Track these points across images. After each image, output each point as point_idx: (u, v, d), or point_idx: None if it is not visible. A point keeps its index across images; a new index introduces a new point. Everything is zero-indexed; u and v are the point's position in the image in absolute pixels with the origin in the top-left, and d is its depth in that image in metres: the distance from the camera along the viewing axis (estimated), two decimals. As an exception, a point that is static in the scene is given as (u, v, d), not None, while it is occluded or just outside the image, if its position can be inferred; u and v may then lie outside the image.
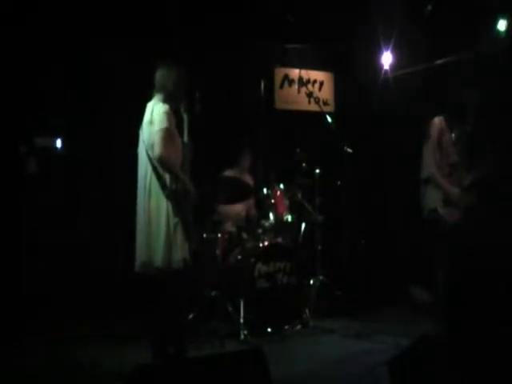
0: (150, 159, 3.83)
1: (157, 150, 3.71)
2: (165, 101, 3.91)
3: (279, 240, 5.47)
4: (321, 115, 5.74)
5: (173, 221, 3.78)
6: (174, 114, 3.90)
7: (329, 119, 5.60)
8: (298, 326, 5.22)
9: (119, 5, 5.72)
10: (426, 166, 4.80)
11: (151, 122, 3.82)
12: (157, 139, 3.72)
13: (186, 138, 3.99)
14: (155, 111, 3.84)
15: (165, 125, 3.75)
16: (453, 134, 4.84)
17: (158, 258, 3.76)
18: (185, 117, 4.00)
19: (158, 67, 4.01)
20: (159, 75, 3.99)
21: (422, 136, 4.84)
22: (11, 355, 4.49)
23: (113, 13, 5.69)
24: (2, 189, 5.27)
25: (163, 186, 3.80)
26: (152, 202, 3.80)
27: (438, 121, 4.82)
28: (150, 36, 5.77)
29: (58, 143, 5.53)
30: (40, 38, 5.43)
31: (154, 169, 3.82)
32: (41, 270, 5.35)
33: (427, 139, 4.79)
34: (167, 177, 3.81)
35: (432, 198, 4.76)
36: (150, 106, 3.94)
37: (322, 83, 7.26)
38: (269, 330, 5.06)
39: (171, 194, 3.79)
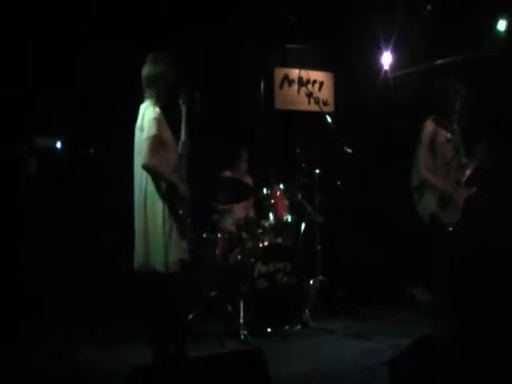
0: None
1: (144, 159, 3.68)
2: (156, 103, 3.83)
3: (279, 240, 5.47)
4: (321, 115, 5.73)
5: (168, 223, 3.75)
6: (169, 113, 3.85)
7: (328, 119, 5.61)
8: (298, 326, 5.22)
9: (119, 5, 5.72)
10: (418, 172, 4.82)
11: (141, 128, 3.77)
12: (144, 148, 3.68)
13: (183, 135, 3.97)
14: (146, 116, 3.78)
15: (153, 132, 3.69)
16: (447, 132, 4.87)
17: (156, 261, 3.74)
18: (183, 111, 3.94)
19: (144, 65, 3.90)
20: (147, 73, 3.87)
21: (415, 140, 4.88)
22: (11, 355, 4.49)
23: (113, 13, 5.68)
24: (2, 190, 5.26)
25: (158, 187, 3.77)
26: (148, 204, 3.78)
27: (428, 123, 4.86)
28: (150, 36, 5.76)
29: (58, 143, 5.52)
30: (40, 38, 5.43)
31: (149, 171, 3.80)
32: (41, 270, 5.35)
33: (418, 144, 4.83)
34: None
35: (429, 203, 4.77)
36: (141, 109, 3.87)
37: (321, 83, 7.27)
38: (269, 330, 5.06)
39: (166, 196, 3.78)
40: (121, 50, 5.70)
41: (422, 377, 2.57)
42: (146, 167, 3.71)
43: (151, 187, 3.78)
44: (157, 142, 3.70)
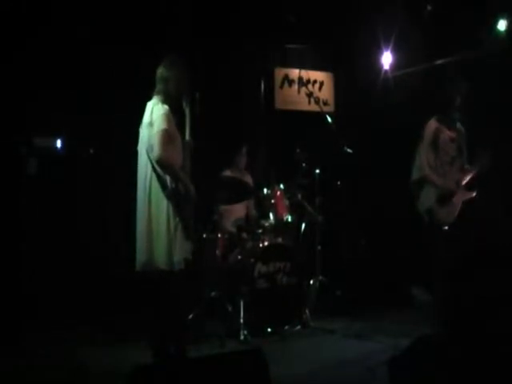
0: (150, 160, 3.82)
1: (156, 152, 3.70)
2: (165, 101, 3.88)
3: (279, 240, 5.47)
4: (321, 115, 5.74)
5: (173, 221, 3.77)
6: (174, 113, 3.89)
7: (329, 119, 5.60)
8: (298, 326, 5.22)
9: (119, 5, 5.72)
10: (419, 168, 4.85)
11: (151, 124, 3.80)
12: (156, 141, 3.71)
13: (187, 137, 3.98)
14: (154, 112, 3.82)
15: (163, 126, 3.73)
16: (451, 132, 4.90)
17: (159, 260, 3.75)
18: (187, 114, 3.98)
19: (160, 65, 3.98)
20: (160, 74, 3.95)
21: (416, 138, 4.90)
22: (11, 355, 4.49)
23: (113, 13, 5.68)
24: (2, 190, 5.26)
25: (163, 186, 3.79)
26: (152, 203, 3.80)
27: (432, 122, 4.89)
28: (150, 36, 5.77)
29: (58, 143, 5.52)
30: (40, 38, 5.43)
31: (154, 169, 3.81)
32: (40, 270, 5.35)
33: (420, 141, 4.86)
34: (167, 177, 3.81)
35: (428, 198, 4.80)
36: (149, 106, 3.91)
37: (322, 83, 7.27)
38: (269, 330, 5.06)
39: (171, 195, 3.79)
40: (121, 50, 5.71)
41: (422, 377, 2.57)
42: (158, 160, 3.72)
43: (156, 185, 3.80)
44: (167, 136, 3.74)
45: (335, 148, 5.62)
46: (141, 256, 3.82)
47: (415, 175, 4.89)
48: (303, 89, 6.65)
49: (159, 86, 3.94)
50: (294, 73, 7.05)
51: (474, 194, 4.91)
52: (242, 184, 5.49)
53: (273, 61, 6.98)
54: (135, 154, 3.98)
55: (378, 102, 6.79)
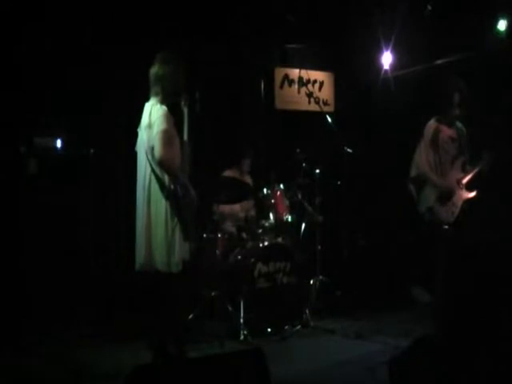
0: (149, 161, 3.82)
1: (157, 153, 3.70)
2: (162, 101, 3.87)
3: (279, 240, 5.47)
4: (321, 115, 5.73)
5: (171, 222, 3.77)
6: (172, 113, 3.88)
7: (329, 119, 5.61)
8: (298, 326, 5.22)
9: (118, 5, 5.72)
10: (417, 165, 4.87)
11: (150, 126, 3.79)
12: (157, 142, 3.71)
13: (185, 137, 3.98)
14: (153, 114, 3.81)
15: (163, 126, 3.73)
16: (451, 131, 4.92)
17: (158, 261, 3.76)
18: (185, 113, 3.97)
19: (152, 65, 3.94)
20: (155, 73, 3.91)
21: (416, 138, 4.92)
22: (11, 355, 4.48)
23: (112, 12, 5.69)
24: (2, 190, 5.26)
25: (162, 186, 3.79)
26: (151, 204, 3.80)
27: (432, 122, 4.93)
28: (150, 36, 5.77)
29: (58, 143, 5.52)
30: (39, 38, 5.42)
31: (153, 170, 3.80)
32: (40, 270, 5.34)
33: (420, 139, 4.88)
34: (166, 178, 3.80)
35: (428, 197, 4.81)
36: (147, 107, 3.90)
37: (322, 83, 7.27)
38: (269, 330, 5.05)
39: (170, 195, 3.79)
40: (121, 50, 5.71)
41: (422, 377, 2.57)
42: (160, 161, 3.71)
43: (155, 186, 3.79)
44: (168, 137, 3.74)
45: (335, 148, 5.62)
46: (140, 256, 3.83)
47: (413, 172, 4.91)
48: (303, 89, 6.64)
49: (155, 87, 3.90)
50: (294, 73, 7.05)
51: (475, 194, 4.92)
52: (241, 184, 5.49)
53: (273, 61, 6.98)
54: (135, 154, 3.98)
55: (378, 102, 6.79)
